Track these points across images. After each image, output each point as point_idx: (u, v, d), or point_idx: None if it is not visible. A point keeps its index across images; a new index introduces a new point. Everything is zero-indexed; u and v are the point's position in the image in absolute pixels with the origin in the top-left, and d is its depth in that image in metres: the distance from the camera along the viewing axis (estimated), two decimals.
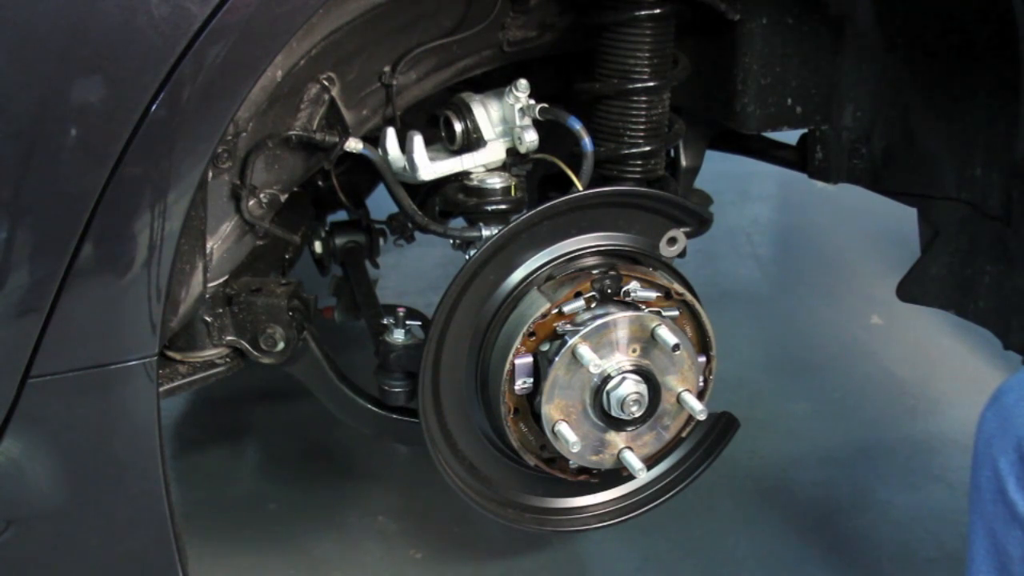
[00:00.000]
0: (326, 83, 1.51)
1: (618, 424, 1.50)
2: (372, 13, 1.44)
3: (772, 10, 1.66)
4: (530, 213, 1.47)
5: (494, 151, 1.64)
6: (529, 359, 1.49)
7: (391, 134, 1.61)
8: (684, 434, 1.59)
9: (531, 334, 1.48)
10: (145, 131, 1.14)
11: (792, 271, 3.51)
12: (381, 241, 2.24)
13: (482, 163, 1.64)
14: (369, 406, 1.67)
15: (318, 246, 2.16)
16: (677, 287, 1.54)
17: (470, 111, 1.63)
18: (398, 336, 1.63)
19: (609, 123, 1.62)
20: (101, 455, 1.30)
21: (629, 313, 1.48)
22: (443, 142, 1.69)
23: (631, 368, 1.47)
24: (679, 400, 1.52)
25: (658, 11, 1.54)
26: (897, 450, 2.40)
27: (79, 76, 1.12)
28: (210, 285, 1.47)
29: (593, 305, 1.49)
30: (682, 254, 1.60)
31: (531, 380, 1.50)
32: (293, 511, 2.23)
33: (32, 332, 1.18)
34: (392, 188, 1.61)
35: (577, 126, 1.58)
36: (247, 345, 1.55)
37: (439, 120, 1.69)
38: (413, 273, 3.37)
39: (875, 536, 2.11)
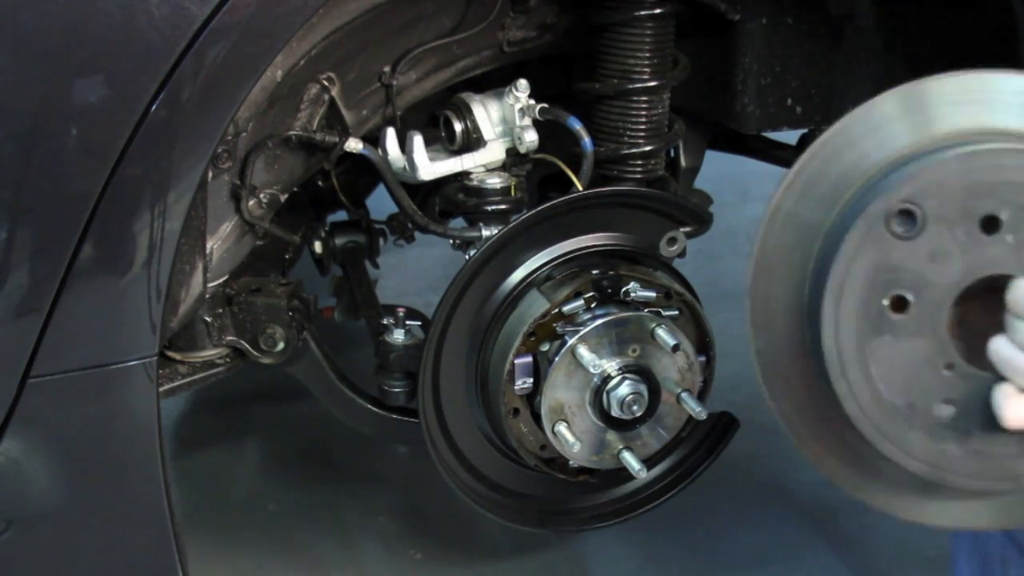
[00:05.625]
0: (326, 83, 1.51)
1: (618, 424, 1.50)
2: (372, 13, 1.43)
3: (772, 10, 1.66)
4: (530, 213, 1.47)
5: (494, 151, 1.64)
6: (529, 359, 1.49)
7: (391, 134, 1.61)
8: (684, 434, 1.59)
9: (531, 334, 1.48)
10: (145, 131, 1.14)
11: None
12: (381, 241, 2.24)
13: (482, 163, 1.64)
14: (369, 406, 1.67)
15: (318, 246, 2.16)
16: (677, 287, 1.54)
17: (470, 111, 1.63)
18: (398, 336, 1.63)
19: (609, 123, 1.62)
20: (101, 455, 1.30)
21: (629, 313, 1.48)
22: (443, 142, 1.68)
23: (631, 368, 1.47)
24: (679, 400, 1.52)
25: (658, 11, 1.54)
26: None
27: (79, 76, 1.12)
28: (210, 285, 1.47)
29: (593, 305, 1.49)
30: (682, 254, 1.60)
31: (531, 380, 1.49)
32: (293, 511, 2.23)
33: (32, 332, 1.18)
34: (392, 188, 1.61)
35: (577, 126, 1.57)
36: (247, 345, 1.55)
37: (439, 120, 1.69)
38: (413, 273, 3.37)
39: (875, 536, 2.11)
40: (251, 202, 1.48)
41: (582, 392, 1.48)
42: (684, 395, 1.51)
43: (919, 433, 0.89)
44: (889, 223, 0.86)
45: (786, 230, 0.95)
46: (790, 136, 1.93)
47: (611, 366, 1.47)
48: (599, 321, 1.46)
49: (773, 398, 0.98)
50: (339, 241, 2.18)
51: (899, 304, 0.87)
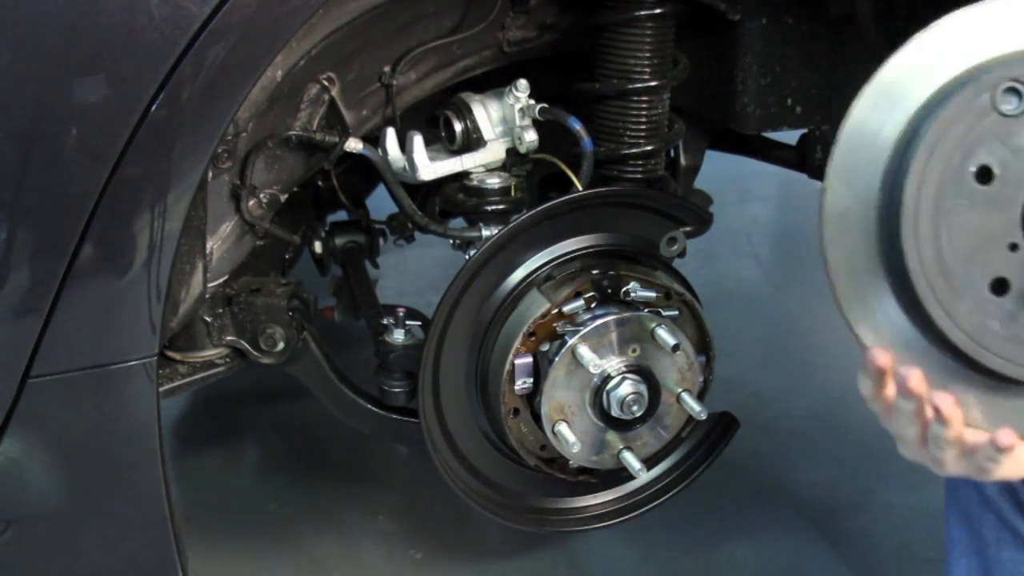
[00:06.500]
0: (326, 83, 1.51)
1: (618, 424, 1.50)
2: (372, 13, 1.44)
3: (772, 10, 1.66)
4: (530, 213, 1.47)
5: (494, 151, 1.64)
6: (529, 359, 1.49)
7: (391, 134, 1.61)
8: (684, 434, 1.59)
9: (531, 334, 1.48)
10: (145, 131, 1.14)
11: (792, 271, 3.51)
12: (381, 241, 2.24)
13: (482, 163, 1.64)
14: (369, 406, 1.67)
15: (318, 246, 2.16)
16: (677, 287, 1.54)
17: (470, 111, 1.63)
18: (398, 336, 1.63)
19: (609, 123, 1.62)
20: (101, 455, 1.30)
21: (629, 313, 1.48)
22: (443, 142, 1.69)
23: (631, 368, 1.48)
24: (679, 400, 1.52)
25: (658, 11, 1.54)
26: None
27: (79, 76, 1.12)
28: (210, 285, 1.47)
29: (593, 305, 1.49)
30: (682, 254, 1.60)
31: (531, 380, 1.50)
32: (293, 511, 2.23)
33: (32, 332, 1.18)
34: (392, 188, 1.61)
35: (577, 126, 1.58)
36: (247, 345, 1.55)
37: (439, 120, 1.69)
38: (413, 273, 3.37)
39: (875, 536, 2.11)
40: (251, 202, 1.48)
41: (582, 392, 1.48)
42: (684, 395, 1.52)
43: (968, 303, 0.90)
44: (995, 96, 0.88)
45: (882, 98, 0.95)
46: (790, 136, 1.93)
47: (611, 366, 1.47)
48: (599, 321, 1.46)
49: (828, 248, 0.97)
50: (339, 241, 2.18)
51: (984, 175, 0.89)
